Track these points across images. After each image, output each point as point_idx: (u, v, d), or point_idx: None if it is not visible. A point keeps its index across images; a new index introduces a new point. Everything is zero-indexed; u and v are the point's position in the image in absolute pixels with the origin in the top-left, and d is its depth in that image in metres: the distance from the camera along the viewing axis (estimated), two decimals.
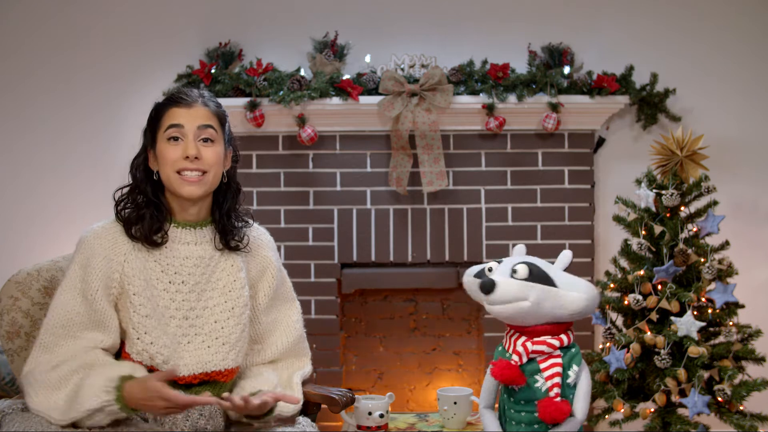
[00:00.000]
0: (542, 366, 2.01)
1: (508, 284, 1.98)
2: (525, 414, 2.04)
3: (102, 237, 1.86)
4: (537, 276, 1.99)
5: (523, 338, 2.04)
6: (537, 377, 2.02)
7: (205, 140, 1.89)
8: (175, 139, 1.86)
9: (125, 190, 1.94)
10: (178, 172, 1.86)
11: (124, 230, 1.89)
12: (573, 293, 1.99)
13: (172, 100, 1.90)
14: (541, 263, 2.07)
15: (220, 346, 1.91)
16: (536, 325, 2.04)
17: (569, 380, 2.02)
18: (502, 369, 2.00)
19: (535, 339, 2.02)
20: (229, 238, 1.96)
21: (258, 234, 2.08)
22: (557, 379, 1.99)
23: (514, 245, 3.25)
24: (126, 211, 1.91)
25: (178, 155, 1.85)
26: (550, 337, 2.02)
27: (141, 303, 1.84)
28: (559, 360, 2.01)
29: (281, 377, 2.04)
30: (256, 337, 2.05)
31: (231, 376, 1.96)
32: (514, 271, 2.00)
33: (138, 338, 1.83)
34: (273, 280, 2.07)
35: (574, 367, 2.02)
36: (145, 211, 1.88)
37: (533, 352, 2.02)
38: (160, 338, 1.84)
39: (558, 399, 1.98)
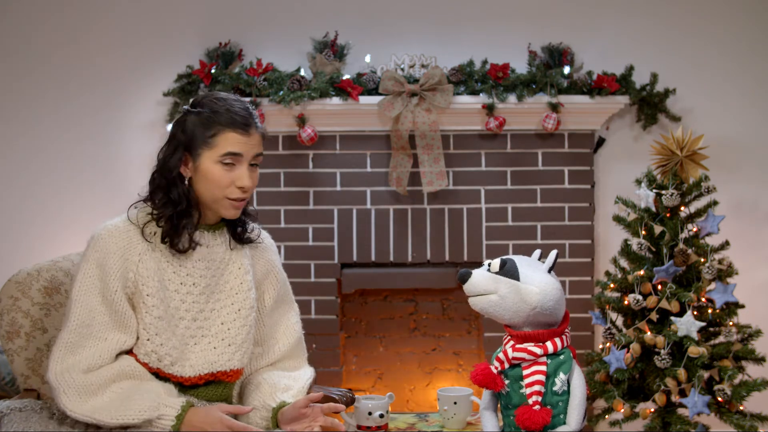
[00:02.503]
0: (525, 373, 2.02)
1: (480, 276, 2.04)
2: (512, 418, 2.05)
3: (116, 236, 1.84)
4: (506, 270, 2.03)
5: (511, 343, 2.05)
6: (522, 383, 2.02)
7: (253, 165, 1.88)
8: (230, 164, 1.83)
9: (163, 193, 1.86)
10: (227, 197, 1.85)
11: (169, 242, 1.85)
12: (530, 287, 2.00)
13: (232, 122, 1.82)
14: (521, 260, 2.08)
15: (226, 347, 1.91)
16: (519, 325, 2.04)
17: (555, 387, 2.02)
18: (477, 373, 2.05)
19: (518, 346, 2.03)
20: (241, 231, 1.97)
21: (262, 237, 2.08)
22: (537, 387, 1.99)
23: (513, 245, 3.30)
24: (163, 220, 1.85)
25: (230, 181, 1.83)
26: (533, 344, 2.02)
27: (154, 304, 1.83)
28: (543, 368, 2.01)
29: (281, 370, 2.06)
30: (259, 340, 2.05)
31: (236, 377, 1.96)
32: (489, 265, 2.05)
33: (148, 339, 1.82)
34: (277, 282, 2.08)
35: (561, 375, 2.02)
36: (186, 222, 1.85)
37: (514, 358, 2.02)
38: (170, 340, 1.84)
39: (537, 407, 1.98)
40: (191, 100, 1.92)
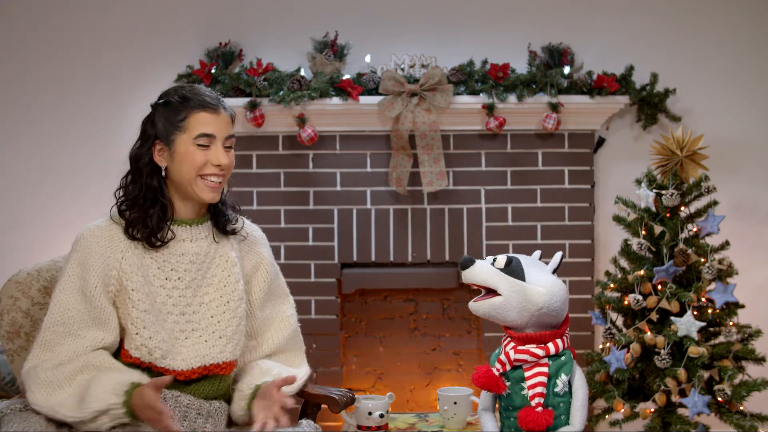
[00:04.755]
0: (527, 374, 2.01)
1: (484, 267, 2.01)
2: (514, 419, 2.04)
3: (98, 235, 1.88)
4: (512, 269, 2.01)
5: (512, 345, 2.04)
6: (523, 384, 2.02)
7: (227, 147, 1.93)
8: (205, 145, 1.89)
9: (129, 186, 1.92)
10: (201, 176, 1.89)
11: (125, 230, 1.89)
12: (537, 287, 1.99)
13: (200, 103, 1.89)
14: (526, 260, 2.08)
15: (217, 340, 1.93)
16: (522, 327, 2.04)
17: (557, 389, 2.01)
18: (480, 376, 2.04)
19: (519, 347, 2.02)
20: (225, 223, 2.00)
21: (251, 230, 2.12)
22: (540, 389, 1.99)
23: (513, 245, 3.30)
24: (129, 211, 1.90)
25: (205, 160, 1.89)
26: (534, 345, 2.01)
27: (139, 298, 1.85)
28: (545, 369, 2.01)
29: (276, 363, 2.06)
30: (252, 333, 2.07)
31: (229, 369, 1.97)
32: (494, 260, 2.03)
33: (137, 333, 1.84)
34: (267, 275, 2.09)
35: (563, 377, 2.01)
36: (153, 211, 1.89)
37: (516, 360, 2.02)
38: (159, 333, 1.86)
39: (539, 409, 1.98)
40: (159, 97, 1.98)
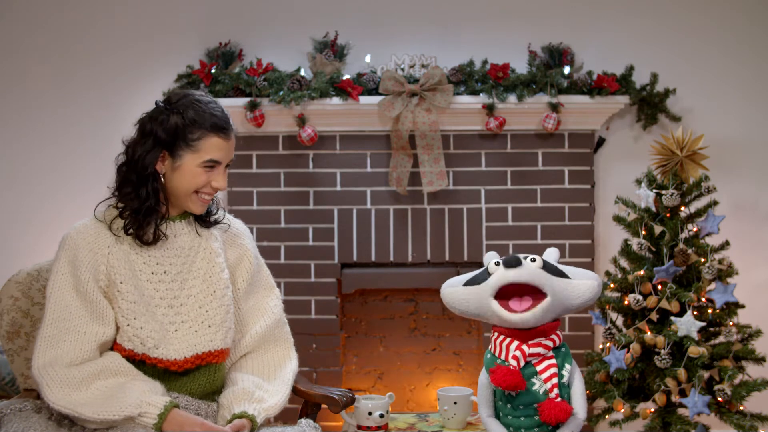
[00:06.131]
0: (539, 368, 2.01)
1: (532, 267, 1.98)
2: (525, 419, 2.03)
3: (84, 232, 1.91)
4: (550, 269, 2.00)
5: (516, 343, 2.03)
6: (534, 380, 2.01)
7: (226, 166, 1.98)
8: (210, 167, 1.93)
9: (128, 187, 1.92)
10: (196, 192, 1.94)
11: (110, 228, 1.92)
12: (586, 281, 2.00)
13: (215, 127, 1.90)
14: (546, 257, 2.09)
15: (207, 329, 1.94)
16: (533, 325, 2.04)
17: (564, 380, 2.02)
18: (505, 375, 1.98)
19: (530, 342, 2.01)
20: (206, 214, 2.04)
21: (234, 224, 2.15)
22: (555, 380, 1.99)
23: (513, 245, 3.30)
24: (126, 213, 1.92)
25: (207, 181, 1.93)
26: (544, 338, 2.01)
27: (128, 290, 1.88)
28: (554, 360, 2.01)
29: (262, 365, 2.06)
30: (237, 325, 2.08)
31: (222, 358, 1.99)
32: (534, 259, 2.01)
33: (128, 324, 1.87)
34: (250, 266, 2.11)
35: (567, 366, 2.03)
36: (152, 218, 1.92)
37: (530, 355, 2.01)
38: (149, 323, 1.88)
39: (558, 399, 1.98)
40: (166, 98, 1.97)
